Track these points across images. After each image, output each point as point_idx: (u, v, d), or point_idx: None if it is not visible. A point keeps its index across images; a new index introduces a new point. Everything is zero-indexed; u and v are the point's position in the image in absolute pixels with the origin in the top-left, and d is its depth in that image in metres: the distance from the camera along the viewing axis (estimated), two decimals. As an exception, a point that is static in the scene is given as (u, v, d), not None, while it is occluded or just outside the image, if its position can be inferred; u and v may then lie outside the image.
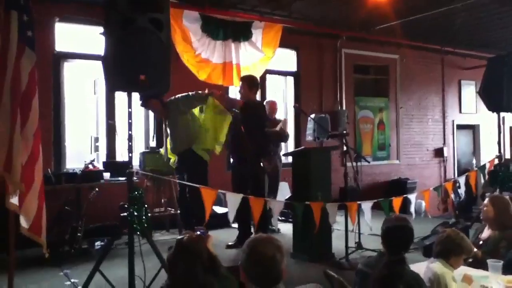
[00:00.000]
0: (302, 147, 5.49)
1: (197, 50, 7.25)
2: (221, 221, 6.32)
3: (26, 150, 3.24)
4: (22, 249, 4.77)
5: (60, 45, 6.69)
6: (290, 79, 9.07)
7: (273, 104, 6.88)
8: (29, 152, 3.26)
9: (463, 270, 3.12)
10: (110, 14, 3.41)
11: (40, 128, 3.43)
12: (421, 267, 3.24)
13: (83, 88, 7.12)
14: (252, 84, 5.77)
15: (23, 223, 3.26)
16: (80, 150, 6.93)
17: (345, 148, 5.59)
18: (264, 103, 6.69)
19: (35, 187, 3.28)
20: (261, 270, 2.04)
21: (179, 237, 2.34)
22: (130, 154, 3.72)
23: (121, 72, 3.44)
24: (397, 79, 10.42)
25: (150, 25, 3.44)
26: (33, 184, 3.27)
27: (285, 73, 9.04)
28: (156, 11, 3.50)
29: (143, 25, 3.42)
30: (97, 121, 7.11)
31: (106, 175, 6.22)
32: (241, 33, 7.69)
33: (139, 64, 3.49)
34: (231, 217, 4.12)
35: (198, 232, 2.90)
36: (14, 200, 3.24)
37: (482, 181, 6.18)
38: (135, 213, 3.47)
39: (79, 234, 5.40)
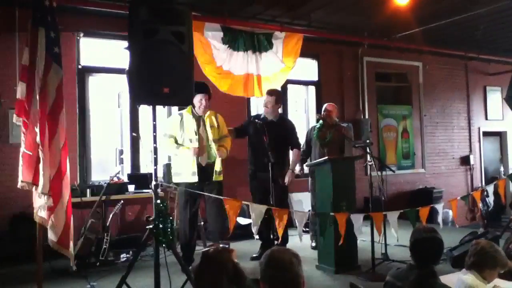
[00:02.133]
0: (326, 157, 5.42)
1: (218, 62, 7.29)
2: (244, 233, 6.30)
3: (54, 164, 3.31)
4: (49, 261, 4.85)
5: (85, 60, 6.83)
6: (312, 89, 9.05)
7: (330, 107, 6.35)
8: (56, 166, 3.32)
9: (494, 281, 3.04)
10: (133, 27, 3.46)
11: (67, 143, 3.50)
12: (451, 278, 3.16)
13: (107, 101, 7.23)
14: (279, 99, 5.88)
15: (51, 236, 3.31)
16: (105, 163, 7.02)
17: (369, 157, 5.52)
18: (323, 108, 6.41)
19: (63, 200, 3.33)
20: (278, 275, 2.05)
21: (205, 249, 2.36)
22: (155, 167, 3.74)
23: (145, 85, 3.48)
24: (420, 86, 10.30)
25: (173, 37, 3.49)
26: (61, 198, 3.32)
27: (306, 83, 9.03)
28: (178, 24, 3.54)
29: (166, 37, 3.47)
30: (121, 133, 7.20)
31: (131, 187, 6.28)
32: (262, 44, 7.71)
33: (162, 76, 3.53)
34: (254, 229, 4.11)
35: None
36: (42, 213, 3.30)
37: (511, 189, 6.04)
38: (160, 226, 3.48)
39: (104, 246, 5.45)
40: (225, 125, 5.42)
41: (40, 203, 3.27)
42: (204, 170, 5.12)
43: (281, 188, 5.57)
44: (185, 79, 3.66)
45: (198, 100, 5.11)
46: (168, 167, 6.37)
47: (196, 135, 5.12)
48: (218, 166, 5.22)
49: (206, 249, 2.38)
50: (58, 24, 3.65)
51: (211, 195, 4.71)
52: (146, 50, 3.47)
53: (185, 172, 5.09)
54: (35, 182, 3.19)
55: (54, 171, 3.28)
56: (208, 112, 5.26)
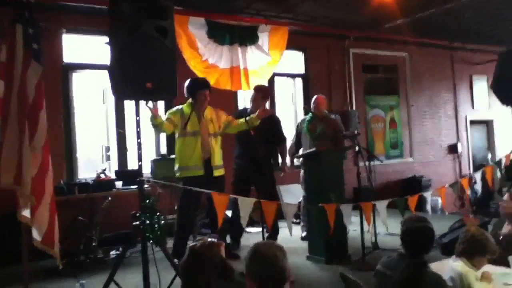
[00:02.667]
0: (314, 148, 5.41)
1: (204, 56, 7.25)
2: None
3: (36, 163, 3.25)
4: (37, 261, 4.78)
5: (68, 56, 6.74)
6: (299, 81, 9.03)
7: (320, 99, 6.22)
8: (38, 165, 3.27)
9: (483, 267, 3.04)
10: (115, 22, 3.41)
11: (49, 140, 3.44)
12: (440, 266, 3.17)
13: (92, 98, 7.14)
14: (266, 95, 5.89)
15: (35, 235, 3.26)
16: (92, 160, 6.95)
17: (357, 148, 5.52)
18: (312, 100, 6.31)
19: (46, 199, 3.28)
20: (263, 270, 2.03)
21: (192, 243, 2.33)
22: (140, 163, 3.70)
23: (127, 80, 3.43)
24: (407, 77, 10.33)
25: (155, 32, 3.44)
26: (44, 196, 3.26)
27: (293, 75, 9.00)
28: (160, 18, 3.50)
29: (148, 32, 3.42)
30: (107, 130, 7.12)
31: (119, 184, 6.22)
32: (248, 37, 7.68)
33: (145, 71, 3.49)
34: (244, 222, 4.08)
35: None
36: (26, 212, 3.25)
37: (499, 175, 6.08)
38: (147, 222, 3.44)
39: (93, 244, 5.41)
40: (224, 113, 5.42)
41: (23, 202, 3.21)
42: (207, 164, 5.10)
43: (270, 181, 5.61)
44: (168, 74, 3.62)
45: (203, 95, 5.09)
46: (155, 162, 6.31)
47: (198, 128, 5.08)
48: (218, 160, 5.19)
49: (193, 243, 2.35)
50: (40, 21, 3.59)
51: (204, 190, 4.59)
52: (128, 45, 3.43)
53: (192, 166, 5.05)
54: (17, 182, 3.13)
55: (35, 170, 3.22)
56: (207, 107, 5.23)
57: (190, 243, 2.40)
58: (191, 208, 5.12)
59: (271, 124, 5.81)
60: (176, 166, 5.16)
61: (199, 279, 2.17)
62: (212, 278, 2.16)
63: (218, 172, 5.16)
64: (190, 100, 5.16)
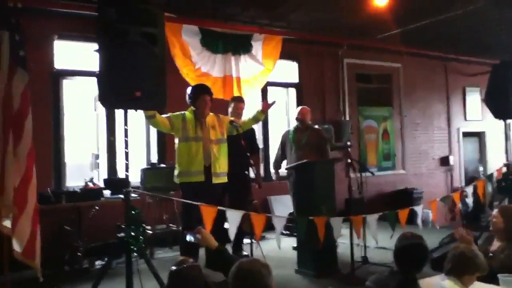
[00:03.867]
0: (304, 160, 5.37)
1: (197, 64, 7.22)
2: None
3: (19, 172, 3.18)
4: (19, 271, 4.67)
5: (59, 63, 6.66)
6: (292, 91, 8.99)
7: (304, 110, 6.40)
8: (22, 174, 3.20)
9: (473, 285, 2.98)
10: (103, 29, 3.35)
11: (33, 149, 3.37)
12: (429, 283, 3.12)
13: (83, 105, 7.06)
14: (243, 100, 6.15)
15: (16, 246, 3.18)
16: (82, 168, 6.85)
17: (349, 160, 5.50)
18: (297, 111, 6.44)
19: (28, 209, 3.20)
20: (248, 286, 2.01)
21: (173, 268, 2.29)
22: (127, 173, 3.63)
23: (115, 88, 3.37)
24: (400, 87, 10.32)
25: (144, 40, 3.39)
26: (26, 207, 3.19)
27: (286, 85, 8.97)
28: (150, 25, 3.44)
29: (137, 40, 3.36)
30: (97, 138, 7.04)
31: (107, 193, 6.13)
32: (241, 46, 7.66)
33: (134, 80, 3.42)
34: (231, 234, 4.03)
35: (191, 238, 2.82)
36: (7, 223, 3.17)
37: (490, 189, 6.06)
38: (132, 233, 3.37)
39: (79, 254, 5.31)
40: (227, 117, 5.44)
41: (4, 212, 3.13)
42: (207, 170, 4.97)
43: (248, 188, 5.57)
44: (157, 82, 3.56)
45: (204, 100, 5.01)
46: (145, 172, 6.23)
47: (201, 134, 4.97)
48: (219, 167, 5.06)
49: (174, 267, 2.31)
50: (31, 27, 3.53)
51: (193, 203, 4.47)
52: (115, 52, 3.37)
53: (193, 171, 4.92)
54: (-2, 192, 3.06)
55: (19, 179, 3.15)
56: (210, 114, 5.15)
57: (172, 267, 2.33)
58: (194, 214, 4.97)
59: (246, 133, 5.64)
60: (176, 172, 5.02)
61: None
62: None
63: (218, 180, 5.03)
64: (192, 107, 5.06)
